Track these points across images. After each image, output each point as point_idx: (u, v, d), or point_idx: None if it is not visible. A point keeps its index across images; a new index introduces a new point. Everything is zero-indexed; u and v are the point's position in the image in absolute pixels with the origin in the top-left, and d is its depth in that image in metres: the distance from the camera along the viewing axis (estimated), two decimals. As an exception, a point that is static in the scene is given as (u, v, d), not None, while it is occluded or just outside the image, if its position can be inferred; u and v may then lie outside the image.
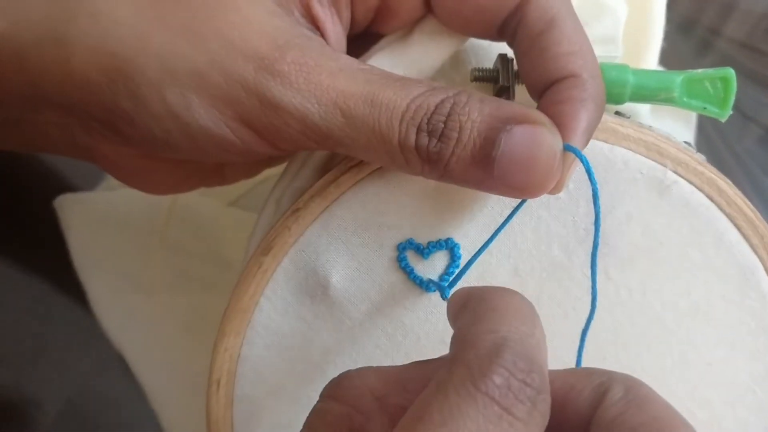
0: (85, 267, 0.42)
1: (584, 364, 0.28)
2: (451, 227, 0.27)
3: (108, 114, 0.24)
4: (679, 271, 0.28)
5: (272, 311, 0.27)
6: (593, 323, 0.27)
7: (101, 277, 0.40)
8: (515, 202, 0.27)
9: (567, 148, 0.24)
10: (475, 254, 0.26)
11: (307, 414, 0.27)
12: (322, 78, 0.23)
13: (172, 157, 0.27)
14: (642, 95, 0.27)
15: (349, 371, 0.21)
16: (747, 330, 0.28)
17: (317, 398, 0.26)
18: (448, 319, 0.22)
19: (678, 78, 0.27)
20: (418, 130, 0.23)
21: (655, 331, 0.28)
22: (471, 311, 0.21)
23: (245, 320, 0.27)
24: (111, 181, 0.44)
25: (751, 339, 0.28)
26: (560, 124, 0.24)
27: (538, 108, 0.25)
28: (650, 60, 0.34)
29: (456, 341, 0.20)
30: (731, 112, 0.28)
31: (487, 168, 0.23)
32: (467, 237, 0.27)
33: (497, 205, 0.27)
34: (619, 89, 0.27)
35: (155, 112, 0.24)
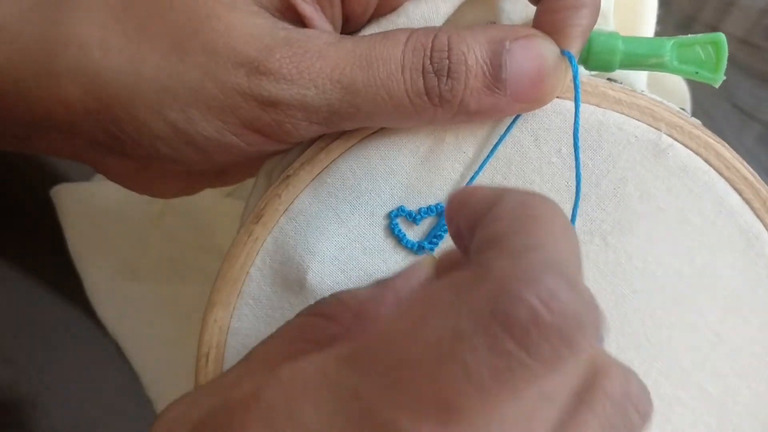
0: (81, 256, 0.42)
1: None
2: (441, 191, 0.26)
3: (111, 137, 0.25)
4: (681, 236, 0.27)
5: (262, 281, 0.26)
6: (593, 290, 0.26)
7: (97, 265, 0.39)
8: (506, 162, 0.26)
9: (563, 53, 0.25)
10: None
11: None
12: (311, 61, 0.23)
13: (182, 168, 0.27)
14: (632, 61, 0.27)
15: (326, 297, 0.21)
16: (756, 298, 0.27)
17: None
18: (447, 224, 0.20)
19: (668, 43, 0.27)
20: (424, 72, 0.24)
21: (658, 299, 0.27)
22: (508, 216, 0.17)
23: (235, 291, 0.26)
24: None
25: (761, 308, 0.27)
26: (555, 30, 0.25)
27: (537, 13, 0.26)
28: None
29: (484, 246, 0.17)
30: (724, 78, 0.28)
31: (500, 91, 0.24)
32: (460, 202, 0.26)
33: (489, 169, 0.26)
34: (609, 56, 0.27)
35: (159, 133, 0.24)
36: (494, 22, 0.27)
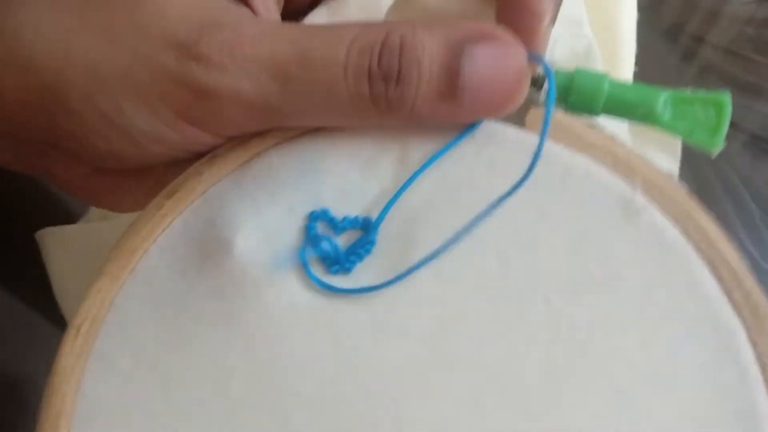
0: (67, 300, 0.41)
1: (505, 407, 0.23)
2: (373, 206, 0.23)
3: (49, 133, 0.24)
4: (639, 316, 0.23)
5: (159, 262, 0.24)
6: (521, 359, 0.22)
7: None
8: (453, 183, 0.23)
9: (532, 58, 0.23)
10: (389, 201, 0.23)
11: (161, 389, 0.23)
12: (245, 49, 0.22)
13: (124, 167, 0.26)
14: (619, 108, 0.24)
15: None
16: (720, 416, 0.22)
17: (177, 374, 0.23)
18: None
19: (663, 94, 0.24)
20: (370, 77, 0.22)
21: (600, 387, 0.22)
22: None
23: (129, 265, 0.24)
24: (95, 212, 0.44)
25: (721, 426, 0.22)
26: (521, 28, 0.23)
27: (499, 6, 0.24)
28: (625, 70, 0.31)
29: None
30: (723, 146, 0.24)
31: (455, 99, 0.22)
32: (391, 222, 0.23)
33: (433, 186, 0.23)
34: (593, 96, 0.24)
35: (91, 124, 0.23)
36: None
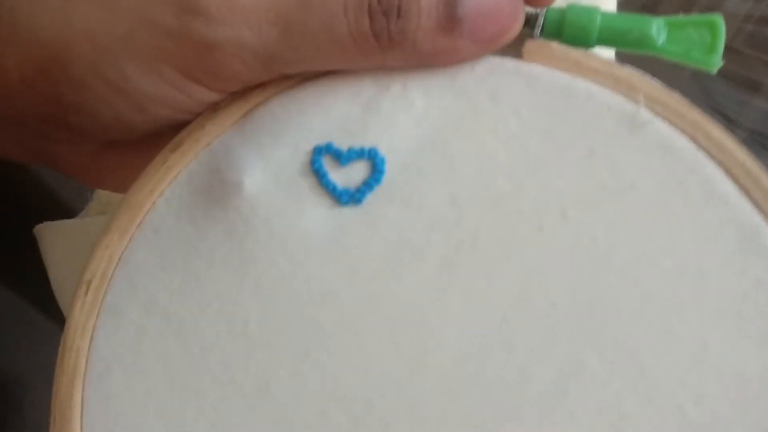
0: (65, 296, 0.40)
1: (533, 322, 0.22)
2: (379, 138, 0.23)
3: (54, 108, 0.24)
4: (659, 222, 0.22)
5: (166, 213, 0.24)
6: (544, 274, 0.22)
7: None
8: (457, 113, 0.23)
9: None
10: None
11: (175, 336, 0.22)
12: (244, 0, 0.22)
13: (131, 137, 0.26)
14: (613, 37, 0.25)
15: None
16: (754, 307, 0.21)
17: (191, 320, 0.23)
18: None
19: (656, 20, 0.25)
20: (371, 12, 0.22)
21: (629, 294, 0.22)
22: None
23: (136, 219, 0.24)
24: (93, 207, 0.44)
25: (761, 320, 0.21)
26: None
27: None
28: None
29: None
30: (721, 64, 0.24)
31: (455, 30, 0.22)
32: (397, 152, 0.23)
33: (437, 119, 0.24)
34: (586, 28, 0.24)
35: (97, 92, 0.23)
36: None
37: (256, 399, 0.22)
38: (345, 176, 0.23)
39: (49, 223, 0.41)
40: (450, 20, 0.22)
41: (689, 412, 0.21)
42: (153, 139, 0.26)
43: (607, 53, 0.26)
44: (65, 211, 0.53)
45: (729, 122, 0.46)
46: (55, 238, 0.41)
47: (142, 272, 0.23)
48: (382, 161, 0.23)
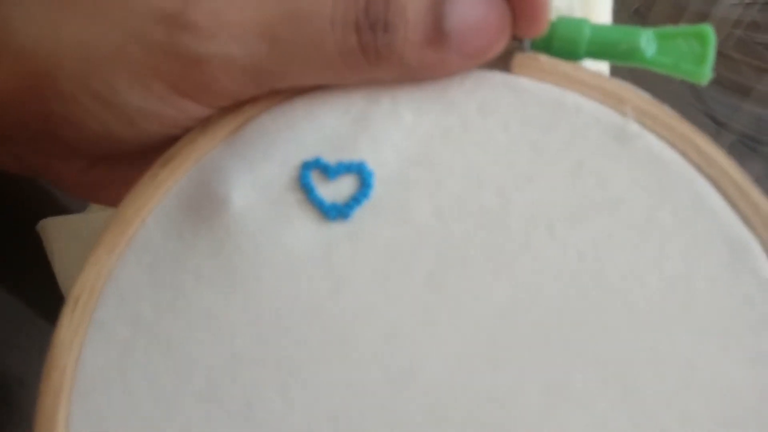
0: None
1: (520, 341, 0.22)
2: (368, 152, 0.23)
3: (43, 122, 0.24)
4: (647, 237, 0.22)
5: (155, 229, 0.24)
6: (530, 291, 0.22)
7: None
8: (445, 127, 0.23)
9: None
10: None
11: (162, 353, 0.22)
12: (231, 15, 0.22)
13: (120, 152, 0.26)
14: (602, 50, 0.24)
15: None
16: (744, 325, 0.21)
17: (177, 337, 0.23)
18: None
19: (645, 31, 0.24)
20: (357, 28, 0.22)
21: (616, 311, 0.22)
22: None
23: (126, 235, 0.24)
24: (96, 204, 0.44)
25: (751, 338, 0.21)
26: None
27: None
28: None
29: None
30: (712, 76, 0.24)
31: (443, 43, 0.22)
32: (385, 166, 0.23)
33: (426, 132, 0.23)
34: (575, 42, 0.24)
35: (86, 106, 0.23)
36: None
37: (241, 418, 0.22)
38: (333, 191, 0.23)
39: (53, 218, 0.42)
40: (437, 33, 0.22)
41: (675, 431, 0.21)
42: (144, 153, 0.26)
43: (600, 65, 0.26)
44: (65, 211, 0.53)
45: (719, 126, 0.46)
46: (59, 233, 0.41)
47: (130, 288, 0.23)
48: (370, 175, 0.23)
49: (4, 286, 0.48)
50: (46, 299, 0.41)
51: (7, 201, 0.45)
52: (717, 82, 0.48)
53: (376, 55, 0.22)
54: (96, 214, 0.43)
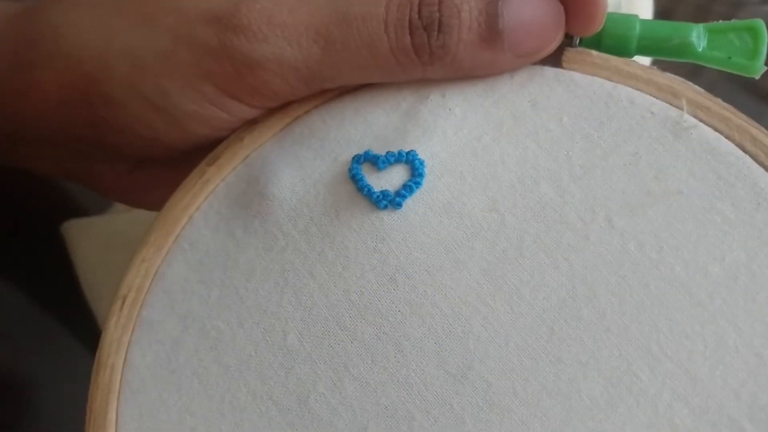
0: (94, 292, 0.40)
1: (581, 333, 0.21)
2: (418, 143, 0.23)
3: (90, 128, 0.25)
4: (707, 228, 0.22)
5: (204, 227, 0.23)
6: (591, 282, 0.21)
7: (111, 300, 0.37)
8: (496, 120, 0.23)
9: None
10: None
11: (212, 350, 0.22)
12: (284, 18, 0.22)
13: (168, 155, 0.26)
14: (652, 46, 0.24)
15: None
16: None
17: (228, 334, 0.22)
18: None
19: (696, 27, 0.24)
20: (411, 29, 0.22)
21: (677, 301, 0.21)
22: None
23: (173, 233, 0.23)
24: (119, 205, 0.44)
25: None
26: None
27: None
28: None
29: None
30: (765, 69, 0.24)
31: (496, 44, 0.22)
32: (436, 157, 0.23)
33: (477, 125, 0.23)
34: (625, 38, 0.24)
35: (134, 111, 0.24)
36: None
37: (295, 414, 0.21)
38: (383, 181, 0.23)
39: (76, 220, 0.41)
40: (491, 34, 0.22)
41: (744, 424, 0.20)
42: (187, 156, 0.26)
43: (643, 62, 0.26)
44: (84, 213, 0.52)
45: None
46: (82, 235, 0.40)
47: (178, 286, 0.23)
48: (422, 163, 0.23)
49: (18, 284, 0.47)
50: (60, 299, 0.41)
51: (28, 203, 0.45)
52: (744, 87, 0.47)
53: (429, 56, 0.22)
54: (119, 215, 0.42)
